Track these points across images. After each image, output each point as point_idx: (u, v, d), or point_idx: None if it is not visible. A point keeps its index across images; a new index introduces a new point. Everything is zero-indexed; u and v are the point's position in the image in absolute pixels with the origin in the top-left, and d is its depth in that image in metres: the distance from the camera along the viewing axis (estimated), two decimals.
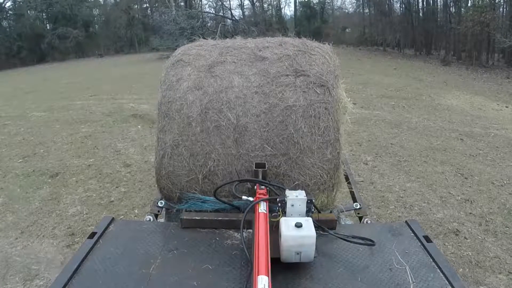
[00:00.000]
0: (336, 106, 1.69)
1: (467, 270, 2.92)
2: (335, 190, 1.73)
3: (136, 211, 3.88)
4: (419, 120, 7.35)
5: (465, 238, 3.33)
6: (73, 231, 3.54)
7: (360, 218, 1.86)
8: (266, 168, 1.61)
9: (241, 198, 1.52)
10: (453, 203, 3.96)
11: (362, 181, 4.48)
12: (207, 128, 1.67)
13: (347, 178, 2.19)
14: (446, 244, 3.23)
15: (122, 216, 3.74)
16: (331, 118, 1.66)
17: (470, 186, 4.37)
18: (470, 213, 3.76)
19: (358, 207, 1.89)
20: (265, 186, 1.56)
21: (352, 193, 2.11)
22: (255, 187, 1.58)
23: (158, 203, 1.83)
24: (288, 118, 1.65)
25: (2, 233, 3.55)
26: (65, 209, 3.98)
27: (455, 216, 3.69)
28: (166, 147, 1.72)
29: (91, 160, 5.45)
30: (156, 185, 1.90)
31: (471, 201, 4.00)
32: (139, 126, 7.18)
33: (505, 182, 4.48)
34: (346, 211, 1.91)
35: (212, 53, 1.86)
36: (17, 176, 4.94)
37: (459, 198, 4.08)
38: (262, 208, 1.36)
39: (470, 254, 3.11)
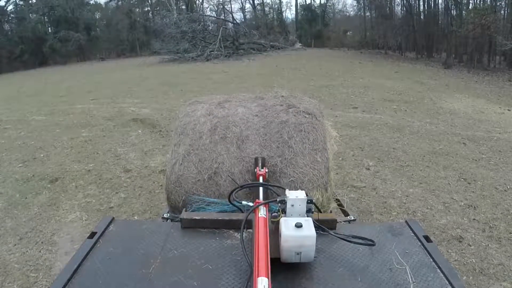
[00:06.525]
0: (322, 127, 2.05)
1: (471, 277, 2.88)
2: (328, 191, 1.93)
3: (135, 217, 3.85)
4: (421, 124, 7.31)
5: (468, 245, 3.29)
6: (72, 237, 3.52)
7: None
8: (264, 157, 1.90)
9: (240, 203, 1.58)
10: (456, 209, 3.92)
11: (364, 186, 4.44)
12: (215, 140, 2.02)
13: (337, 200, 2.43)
14: (450, 251, 3.19)
15: None
16: (319, 134, 2.00)
17: (473, 191, 4.33)
18: (474, 219, 3.72)
19: (353, 218, 2.05)
20: (267, 188, 1.65)
21: (343, 210, 2.30)
22: (256, 169, 1.79)
23: (164, 214, 2.01)
24: (283, 129, 2.02)
25: (0, 239, 3.52)
26: (64, 215, 3.95)
27: (458, 222, 3.65)
28: (179, 156, 2.01)
29: (91, 165, 5.44)
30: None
31: (475, 207, 3.95)
32: (140, 131, 7.17)
33: (508, 187, 4.43)
34: (341, 222, 2.00)
35: (221, 97, 2.38)
36: (16, 181, 4.93)
37: (462, 203, 4.04)
38: (262, 211, 1.38)
39: (474, 261, 3.07)
